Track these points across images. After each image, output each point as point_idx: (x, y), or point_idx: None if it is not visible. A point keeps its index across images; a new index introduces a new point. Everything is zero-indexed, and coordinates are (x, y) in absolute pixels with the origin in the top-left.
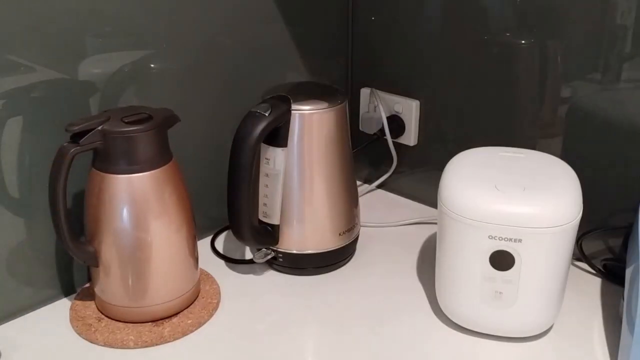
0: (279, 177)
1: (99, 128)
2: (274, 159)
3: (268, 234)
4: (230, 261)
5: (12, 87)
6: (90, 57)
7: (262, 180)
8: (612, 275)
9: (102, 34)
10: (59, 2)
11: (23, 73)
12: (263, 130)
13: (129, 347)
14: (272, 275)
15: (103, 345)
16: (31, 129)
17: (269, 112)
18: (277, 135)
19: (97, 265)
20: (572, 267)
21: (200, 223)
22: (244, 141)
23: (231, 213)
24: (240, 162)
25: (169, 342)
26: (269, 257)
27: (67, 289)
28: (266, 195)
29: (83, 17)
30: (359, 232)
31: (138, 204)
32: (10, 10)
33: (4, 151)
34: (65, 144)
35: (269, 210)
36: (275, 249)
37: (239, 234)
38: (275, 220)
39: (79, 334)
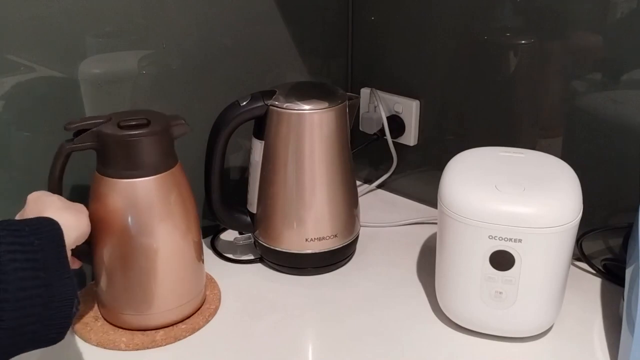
0: (257, 167)
1: (94, 129)
2: (255, 149)
3: (245, 220)
4: (231, 261)
5: (12, 87)
6: (90, 57)
7: (249, 170)
8: (612, 275)
9: (102, 34)
10: (59, 2)
11: (23, 73)
12: (235, 118)
13: (120, 349)
14: (272, 275)
15: (95, 345)
16: (31, 129)
17: (245, 103)
18: (259, 128)
19: (90, 263)
20: (572, 267)
21: (201, 223)
22: (217, 126)
23: (206, 193)
24: (211, 145)
25: (160, 346)
26: (249, 241)
27: None
28: (249, 184)
29: (83, 17)
30: (359, 232)
31: (141, 209)
32: (10, 10)
33: (4, 151)
34: (64, 142)
35: (251, 198)
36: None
37: (212, 211)
38: (253, 209)
39: (75, 332)
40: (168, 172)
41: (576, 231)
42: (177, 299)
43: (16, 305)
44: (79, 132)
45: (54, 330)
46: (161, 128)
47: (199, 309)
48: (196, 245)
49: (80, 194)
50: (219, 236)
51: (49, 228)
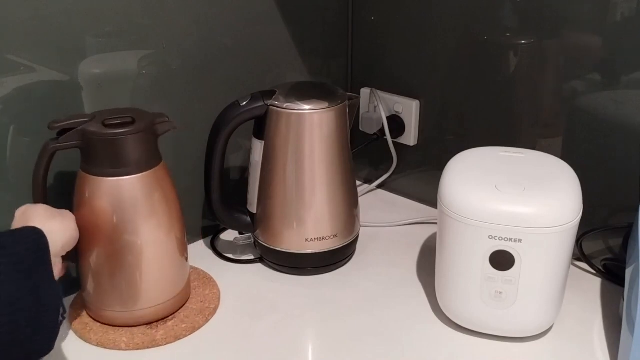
0: (257, 167)
1: (78, 128)
2: (255, 149)
3: (245, 220)
4: (231, 261)
5: (12, 87)
6: (90, 57)
7: (249, 170)
8: (612, 275)
9: (102, 34)
10: (59, 2)
11: (23, 73)
12: (235, 118)
13: (120, 349)
14: (272, 275)
15: (96, 345)
16: (31, 129)
17: (245, 103)
18: (259, 128)
19: (75, 262)
20: (572, 267)
21: (201, 223)
22: (217, 126)
23: (206, 193)
24: (211, 145)
25: (160, 345)
26: (249, 241)
27: (67, 287)
28: (249, 184)
29: (83, 17)
30: (359, 232)
31: (125, 207)
32: (10, 10)
33: (4, 151)
34: (48, 141)
35: (251, 198)
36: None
37: (212, 211)
38: (253, 209)
39: (75, 332)
40: (152, 170)
41: (576, 231)
42: (161, 295)
43: (6, 310)
44: (63, 131)
45: (45, 339)
46: (145, 126)
47: (184, 304)
48: (179, 242)
49: (65, 193)
50: (219, 236)
51: (34, 237)
